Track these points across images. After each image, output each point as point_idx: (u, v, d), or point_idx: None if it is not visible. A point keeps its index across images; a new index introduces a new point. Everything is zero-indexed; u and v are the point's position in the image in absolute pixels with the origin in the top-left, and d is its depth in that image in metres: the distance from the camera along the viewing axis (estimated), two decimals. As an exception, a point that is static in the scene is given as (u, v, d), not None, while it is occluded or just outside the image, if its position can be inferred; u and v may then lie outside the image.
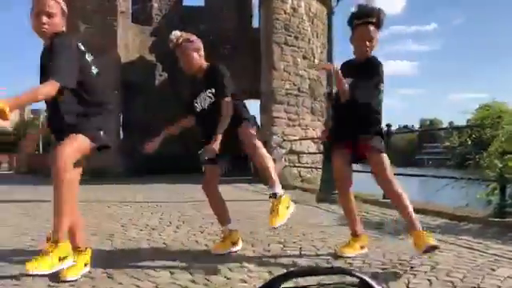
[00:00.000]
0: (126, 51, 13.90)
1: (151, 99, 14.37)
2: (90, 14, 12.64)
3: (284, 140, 11.18)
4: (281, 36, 11.08)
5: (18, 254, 3.20)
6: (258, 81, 12.23)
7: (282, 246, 3.52)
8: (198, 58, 3.31)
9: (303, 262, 3.02)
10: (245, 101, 14.60)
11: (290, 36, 11.20)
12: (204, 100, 3.26)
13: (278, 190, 2.98)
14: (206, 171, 3.39)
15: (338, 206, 6.01)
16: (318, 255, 3.19)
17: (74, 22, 12.72)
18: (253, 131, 3.16)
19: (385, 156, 3.06)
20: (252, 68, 13.20)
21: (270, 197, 2.98)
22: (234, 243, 3.29)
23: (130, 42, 14.39)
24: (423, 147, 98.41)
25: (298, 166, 11.36)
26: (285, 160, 11.16)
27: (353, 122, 3.08)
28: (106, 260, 2.99)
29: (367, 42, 3.05)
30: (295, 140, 11.36)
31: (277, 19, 11.01)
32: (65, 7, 2.60)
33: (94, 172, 12.06)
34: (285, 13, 11.18)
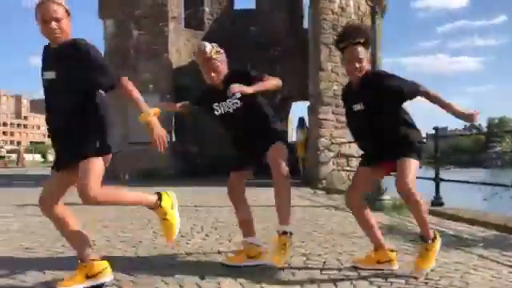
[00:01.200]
0: (177, 56, 14.18)
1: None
2: (142, 20, 13.02)
3: (332, 143, 10.93)
4: (328, 36, 10.84)
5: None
6: (308, 82, 12.07)
7: (305, 258, 3.39)
8: (225, 69, 3.22)
9: (323, 276, 2.88)
10: (294, 103, 14.62)
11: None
12: (227, 107, 3.19)
13: (288, 228, 2.96)
14: (230, 177, 3.30)
15: (384, 214, 5.81)
16: (339, 269, 3.03)
17: (127, 27, 13.18)
18: (283, 154, 3.08)
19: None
20: (302, 69, 13.06)
21: (279, 233, 2.96)
22: (251, 257, 3.16)
23: (182, 47, 14.66)
24: (490, 147, 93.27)
25: (347, 170, 11.07)
26: (333, 163, 10.92)
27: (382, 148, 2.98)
28: (121, 269, 2.99)
29: (356, 64, 2.89)
30: (343, 143, 11.08)
31: (324, 19, 10.80)
32: (68, 7, 2.58)
33: (144, 173, 12.46)
34: (332, 13, 10.95)
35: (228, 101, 3.16)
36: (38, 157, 49.24)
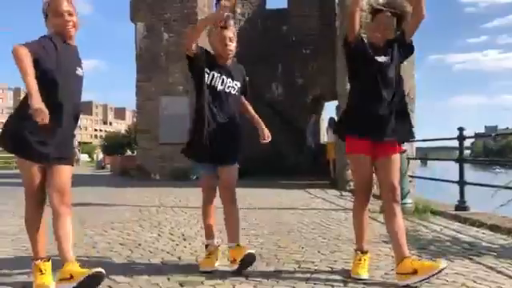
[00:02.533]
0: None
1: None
2: (172, 22, 13.16)
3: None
4: (356, 34, 10.55)
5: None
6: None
7: (297, 266, 3.27)
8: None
9: (307, 285, 2.76)
10: (326, 103, 14.36)
11: (366, 34, 10.60)
12: (225, 85, 3.12)
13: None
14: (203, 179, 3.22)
15: (403, 218, 5.58)
16: (327, 280, 2.90)
17: (158, 30, 13.35)
18: (236, 180, 3.13)
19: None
20: (334, 69, 12.80)
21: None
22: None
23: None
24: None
25: (377, 171, 10.67)
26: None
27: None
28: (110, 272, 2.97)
29: (386, 32, 2.95)
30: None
31: (352, 17, 10.50)
32: (76, 5, 2.65)
33: (174, 173, 12.57)
34: (361, 10, 10.62)
35: (230, 80, 3.12)
36: (84, 156, 50.98)
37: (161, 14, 13.23)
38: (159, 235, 4.51)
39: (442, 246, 3.97)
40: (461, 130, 6.18)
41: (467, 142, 7.53)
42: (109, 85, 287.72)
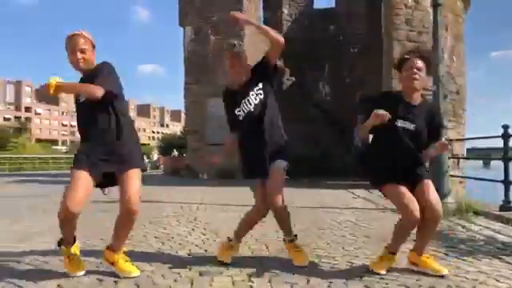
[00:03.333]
0: (255, 58, 14.42)
1: (279, 104, 14.68)
2: (219, 25, 13.45)
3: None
4: (402, 32, 10.36)
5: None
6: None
7: (317, 260, 3.32)
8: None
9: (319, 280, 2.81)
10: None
11: (412, 31, 10.40)
12: (249, 104, 3.16)
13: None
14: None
15: (468, 222, 5.45)
16: (343, 274, 2.93)
17: (205, 33, 13.69)
18: (283, 174, 3.17)
19: None
20: (380, 67, 12.61)
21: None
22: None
23: (260, 49, 14.88)
24: None
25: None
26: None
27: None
28: (140, 261, 3.16)
29: (415, 71, 2.91)
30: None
31: (397, 14, 10.33)
32: (94, 41, 2.95)
33: (221, 173, 12.83)
34: (406, 7, 10.43)
35: (250, 94, 3.15)
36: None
37: (208, 17, 13.56)
38: (193, 229, 4.68)
39: (473, 246, 3.87)
40: (505, 127, 5.95)
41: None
42: (165, 88, 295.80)
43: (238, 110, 3.18)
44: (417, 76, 2.91)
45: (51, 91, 2.58)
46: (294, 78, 15.53)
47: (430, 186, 2.94)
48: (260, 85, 3.17)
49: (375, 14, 15.13)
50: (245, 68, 3.19)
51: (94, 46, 2.95)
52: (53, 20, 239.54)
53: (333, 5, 16.94)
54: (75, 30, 2.91)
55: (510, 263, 3.26)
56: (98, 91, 2.68)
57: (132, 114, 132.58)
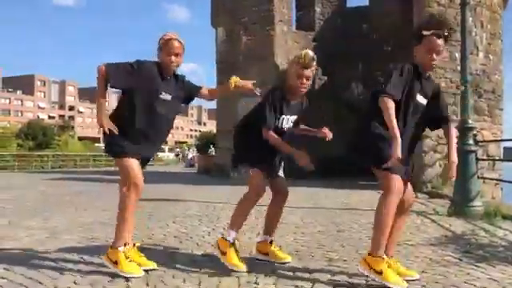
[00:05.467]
0: (285, 58, 14.46)
1: (311, 103, 14.63)
2: (250, 25, 13.55)
3: (438, 143, 10.20)
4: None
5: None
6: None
7: (328, 263, 3.35)
8: None
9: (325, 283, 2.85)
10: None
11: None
12: (286, 122, 3.28)
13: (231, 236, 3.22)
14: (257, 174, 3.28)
15: (465, 223, 5.35)
16: (350, 277, 2.96)
17: (237, 33, 13.83)
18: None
19: None
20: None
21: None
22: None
23: (291, 49, 14.90)
24: None
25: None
26: (439, 166, 10.18)
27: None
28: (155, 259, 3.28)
29: (435, 55, 2.90)
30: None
31: (429, 12, 10.10)
32: (184, 44, 3.16)
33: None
34: (438, 4, 10.18)
35: (289, 117, 3.27)
36: (170, 155, 53.76)
37: (239, 18, 13.69)
38: (213, 229, 4.79)
39: (491, 251, 3.80)
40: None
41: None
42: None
43: (278, 117, 3.23)
44: (435, 62, 2.93)
45: (232, 86, 3.34)
46: (326, 77, 15.43)
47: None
48: (296, 116, 3.35)
49: (408, 11, 14.83)
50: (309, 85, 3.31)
51: (184, 51, 3.16)
52: (93, 20, 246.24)
53: (366, 3, 16.73)
54: (171, 33, 3.13)
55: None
56: None
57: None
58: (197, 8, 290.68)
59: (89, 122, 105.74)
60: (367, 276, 2.84)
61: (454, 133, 3.04)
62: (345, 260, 3.44)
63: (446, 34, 2.92)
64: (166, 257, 3.50)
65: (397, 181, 2.76)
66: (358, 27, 16.25)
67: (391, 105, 2.70)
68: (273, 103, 3.19)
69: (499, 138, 10.95)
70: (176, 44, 3.08)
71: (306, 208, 6.76)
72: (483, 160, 9.74)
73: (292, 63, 3.24)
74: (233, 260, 3.08)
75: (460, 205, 6.10)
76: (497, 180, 10.15)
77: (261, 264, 3.27)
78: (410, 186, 3.02)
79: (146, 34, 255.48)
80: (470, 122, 6.39)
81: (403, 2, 15.56)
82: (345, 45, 15.65)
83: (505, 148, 10.11)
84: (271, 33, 13.43)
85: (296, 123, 3.40)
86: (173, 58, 3.09)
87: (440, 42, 2.89)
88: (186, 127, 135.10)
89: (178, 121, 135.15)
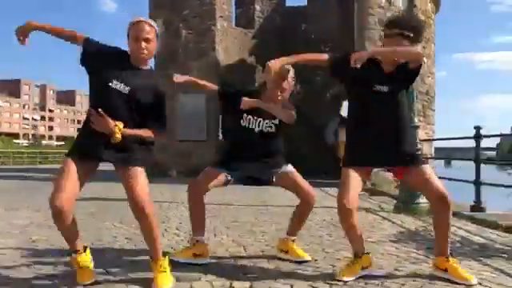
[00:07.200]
0: (225, 54, 14.26)
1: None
2: (190, 19, 13.22)
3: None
4: (374, 32, 10.43)
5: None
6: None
7: (299, 263, 3.22)
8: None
9: (303, 284, 2.71)
10: (345, 101, 13.88)
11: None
12: (258, 124, 3.22)
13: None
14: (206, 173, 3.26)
15: (414, 219, 5.47)
16: (327, 278, 2.84)
17: (176, 27, 13.43)
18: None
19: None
20: (352, 67, 12.66)
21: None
22: (198, 255, 3.17)
23: (230, 46, 14.72)
24: None
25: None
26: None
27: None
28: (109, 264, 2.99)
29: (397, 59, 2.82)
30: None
31: (370, 14, 10.39)
32: (158, 30, 2.73)
33: (193, 171, 12.63)
34: (379, 7, 10.52)
35: (268, 121, 3.21)
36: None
37: (179, 11, 13.30)
38: (166, 230, 4.51)
39: (451, 248, 3.85)
40: (477, 128, 6.03)
41: (492, 143, 7.32)
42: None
43: (245, 117, 3.21)
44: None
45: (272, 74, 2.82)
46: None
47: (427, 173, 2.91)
48: (278, 121, 3.23)
49: (347, 13, 15.21)
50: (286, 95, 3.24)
51: (157, 36, 2.71)
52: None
53: (305, 3, 16.93)
54: (139, 17, 2.71)
55: (489, 265, 3.25)
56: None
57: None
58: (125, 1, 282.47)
59: (7, 116, 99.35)
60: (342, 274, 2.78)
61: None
62: (316, 260, 3.33)
63: (411, 35, 2.83)
64: (120, 261, 3.21)
65: None
66: (297, 27, 16.41)
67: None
68: (229, 97, 3.29)
69: (431, 138, 11.50)
70: (146, 27, 2.62)
71: (258, 206, 6.62)
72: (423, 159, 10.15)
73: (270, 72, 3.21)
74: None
75: (406, 202, 6.24)
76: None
77: (232, 266, 3.08)
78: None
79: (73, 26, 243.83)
80: (415, 121, 6.56)
81: (341, 4, 15.95)
82: (284, 44, 15.71)
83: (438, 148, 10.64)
84: (212, 28, 13.18)
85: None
86: (142, 43, 2.61)
87: (406, 42, 2.82)
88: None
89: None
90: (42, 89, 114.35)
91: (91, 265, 2.69)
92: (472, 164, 6.53)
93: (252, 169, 3.28)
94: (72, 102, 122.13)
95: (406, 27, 2.81)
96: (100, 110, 2.49)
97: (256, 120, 3.21)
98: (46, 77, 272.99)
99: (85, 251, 2.70)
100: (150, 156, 2.77)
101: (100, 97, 2.60)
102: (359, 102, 2.92)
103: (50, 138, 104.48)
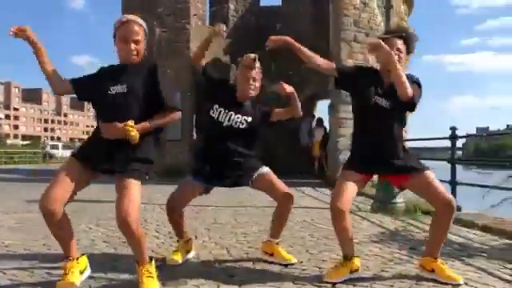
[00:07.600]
0: (200, 53, 14.11)
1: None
2: (164, 17, 13.02)
3: (352, 142, 10.59)
4: (349, 33, 10.51)
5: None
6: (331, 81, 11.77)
7: (284, 265, 3.19)
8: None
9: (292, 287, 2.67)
10: (320, 101, 14.25)
11: (360, 32, 10.57)
12: (229, 118, 3.17)
13: None
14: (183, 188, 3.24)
15: (393, 219, 5.52)
16: (314, 279, 2.81)
17: (150, 25, 13.20)
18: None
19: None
20: (326, 67, 12.72)
21: None
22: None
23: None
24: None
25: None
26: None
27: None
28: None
29: (394, 53, 2.80)
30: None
31: (345, 15, 10.45)
32: (147, 29, 2.64)
33: (168, 171, 12.46)
34: (354, 8, 10.59)
35: (239, 116, 3.17)
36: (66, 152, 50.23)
37: (153, 9, 13.08)
38: (146, 233, 4.39)
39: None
40: (453, 129, 6.13)
41: (459, 143, 7.52)
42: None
43: (216, 108, 3.18)
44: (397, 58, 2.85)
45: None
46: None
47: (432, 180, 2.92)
48: (250, 118, 3.20)
49: (321, 13, 15.29)
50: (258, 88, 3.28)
51: (146, 35, 2.62)
52: None
53: (279, 3, 16.93)
54: (128, 16, 2.59)
55: (471, 265, 3.29)
56: None
57: (65, 107, 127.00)
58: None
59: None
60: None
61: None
62: (301, 262, 3.29)
63: (402, 35, 2.92)
64: (102, 265, 3.10)
65: None
66: (272, 26, 16.38)
67: None
68: (208, 88, 3.30)
69: (407, 138, 11.68)
70: (135, 28, 2.53)
71: (235, 207, 6.56)
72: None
73: (239, 66, 3.27)
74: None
75: (384, 202, 6.30)
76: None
77: (217, 269, 3.01)
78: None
79: (39, 23, 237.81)
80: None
81: (316, 4, 16.03)
82: (258, 43, 15.66)
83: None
84: (186, 26, 13.01)
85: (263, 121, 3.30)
86: (132, 45, 2.52)
87: (399, 41, 2.88)
88: (82, 123, 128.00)
89: (75, 116, 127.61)
90: (7, 86, 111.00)
91: (78, 277, 2.56)
92: (443, 164, 6.64)
93: (229, 180, 3.20)
94: (39, 101, 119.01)
95: (401, 31, 2.98)
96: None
97: (227, 114, 3.14)
98: (11, 75, 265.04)
99: (77, 260, 2.59)
100: (150, 170, 2.67)
101: (105, 107, 2.56)
102: (360, 113, 2.98)
103: (16, 136, 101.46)
